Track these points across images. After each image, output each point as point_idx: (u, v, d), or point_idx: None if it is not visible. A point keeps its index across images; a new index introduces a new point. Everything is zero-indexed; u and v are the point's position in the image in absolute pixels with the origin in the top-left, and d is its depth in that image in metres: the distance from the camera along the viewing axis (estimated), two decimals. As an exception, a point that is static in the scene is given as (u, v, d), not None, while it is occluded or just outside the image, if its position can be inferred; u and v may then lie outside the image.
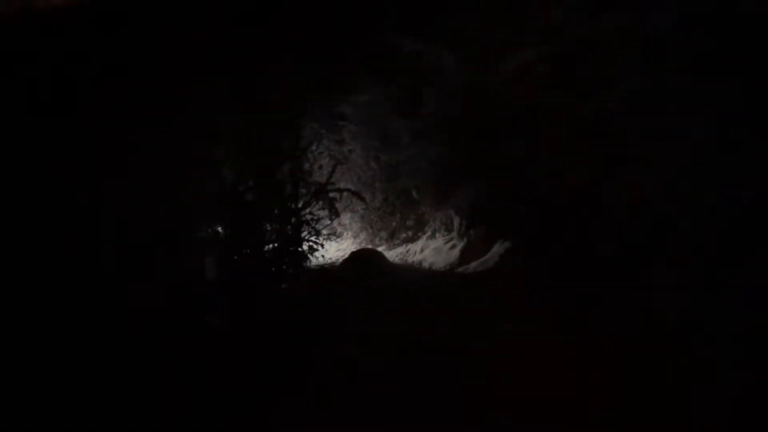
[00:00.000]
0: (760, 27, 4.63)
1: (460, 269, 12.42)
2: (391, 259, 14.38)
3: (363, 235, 17.19)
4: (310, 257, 12.55)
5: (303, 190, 13.11)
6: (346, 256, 13.46)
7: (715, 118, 4.79)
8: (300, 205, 12.56)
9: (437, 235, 14.67)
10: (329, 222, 15.61)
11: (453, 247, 13.65)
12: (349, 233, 17.48)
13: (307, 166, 14.17)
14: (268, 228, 11.75)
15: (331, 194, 14.62)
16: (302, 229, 12.57)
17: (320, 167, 14.94)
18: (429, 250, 14.45)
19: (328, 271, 12.79)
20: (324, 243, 13.34)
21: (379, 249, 15.17)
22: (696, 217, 5.00)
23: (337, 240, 17.38)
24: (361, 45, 15.59)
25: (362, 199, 15.49)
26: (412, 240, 15.75)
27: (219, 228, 10.67)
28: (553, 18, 6.52)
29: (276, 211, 11.74)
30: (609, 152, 6.22)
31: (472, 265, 12.08)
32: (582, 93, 6.47)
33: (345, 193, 15.54)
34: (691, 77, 5.01)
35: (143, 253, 7.83)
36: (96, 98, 10.21)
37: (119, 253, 7.68)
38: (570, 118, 6.92)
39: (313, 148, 14.61)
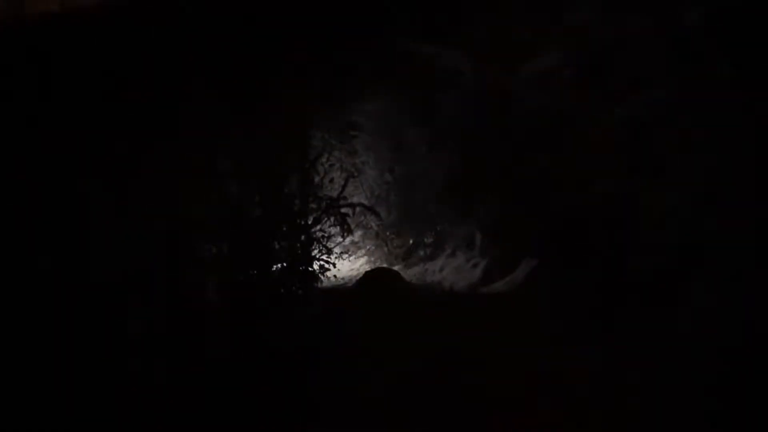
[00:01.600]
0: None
1: (484, 290, 12.37)
2: (408, 279, 14.34)
3: (377, 254, 17.16)
4: (321, 277, 12.55)
5: (313, 206, 13.14)
6: (360, 276, 13.45)
7: (749, 125, 4.76)
8: (310, 222, 12.58)
9: (458, 253, 14.60)
10: (341, 239, 15.62)
11: (475, 265, 13.58)
12: (363, 252, 17.47)
13: (317, 179, 14.22)
14: (276, 246, 11.79)
15: (342, 209, 14.64)
16: (312, 247, 12.58)
17: (331, 180, 14.97)
18: (449, 269, 14.38)
19: (340, 292, 12.77)
20: (336, 262, 13.34)
21: (395, 268, 15.13)
22: (733, 230, 4.95)
23: (350, 259, 17.37)
24: (372, 49, 15.74)
25: (376, 214, 15.49)
26: (431, 258, 15.69)
27: (223, 246, 10.74)
28: (576, 19, 6.54)
29: (284, 228, 11.78)
30: (639, 163, 6.19)
31: (497, 285, 12.02)
32: (609, 99, 6.46)
33: (358, 208, 15.55)
34: (722, 80, 4.99)
35: (140, 272, 7.92)
36: (93, 109, 10.41)
37: (115, 273, 7.79)
38: (597, 126, 6.90)
39: (324, 160, 14.64)
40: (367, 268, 15.20)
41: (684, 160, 5.38)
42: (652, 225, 5.74)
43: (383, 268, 14.54)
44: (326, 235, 13.50)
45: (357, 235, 16.83)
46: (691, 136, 5.33)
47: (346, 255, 16.92)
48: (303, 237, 12.02)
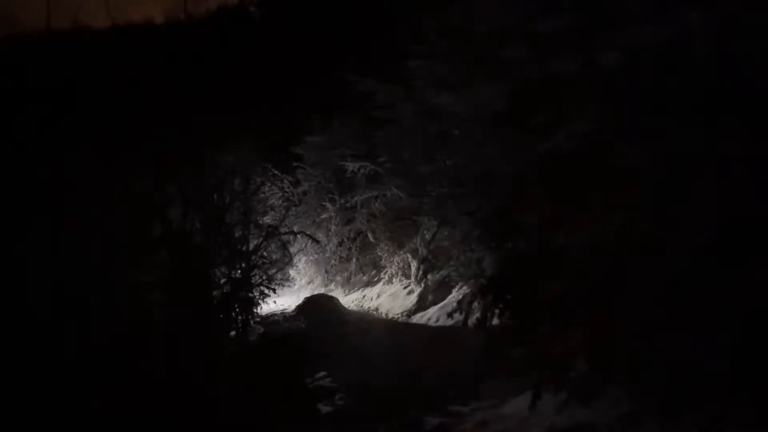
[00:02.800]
0: (709, 65, 4.80)
1: (417, 315, 12.34)
2: (347, 305, 14.22)
3: (318, 280, 17.01)
4: (261, 303, 12.30)
5: (254, 232, 12.94)
6: (300, 302, 13.26)
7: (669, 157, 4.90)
8: (251, 248, 12.36)
9: (394, 280, 14.61)
10: (282, 267, 15.40)
11: (410, 292, 13.60)
12: (304, 279, 17.27)
13: (259, 207, 14.05)
14: (217, 273, 11.51)
15: (284, 237, 14.48)
16: (253, 274, 12.34)
17: (272, 209, 14.80)
18: (385, 296, 14.35)
19: (279, 319, 12.52)
20: (276, 288, 13.12)
21: (335, 294, 15.00)
22: (651, 260, 5.04)
23: (291, 285, 17.12)
24: (315, 84, 15.81)
25: (317, 241, 15.38)
26: (369, 285, 15.64)
27: (163, 271, 10.40)
28: (504, 59, 6.66)
29: (225, 254, 11.52)
30: (563, 194, 6.27)
31: (430, 312, 12.02)
32: (536, 133, 6.56)
33: (299, 236, 15.41)
34: (643, 117, 5.14)
35: (76, 298, 7.57)
36: (30, 135, 10.04)
37: (50, 299, 7.42)
38: (524, 159, 6.99)
39: (266, 188, 14.49)
40: (308, 294, 14.98)
41: (606, 193, 5.47)
42: (573, 253, 5.79)
43: (323, 294, 14.37)
44: (267, 261, 13.30)
45: (298, 262, 16.63)
46: (612, 166, 5.43)
47: (287, 282, 16.67)
48: (243, 264, 11.80)
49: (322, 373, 8.78)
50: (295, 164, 15.56)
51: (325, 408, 7.41)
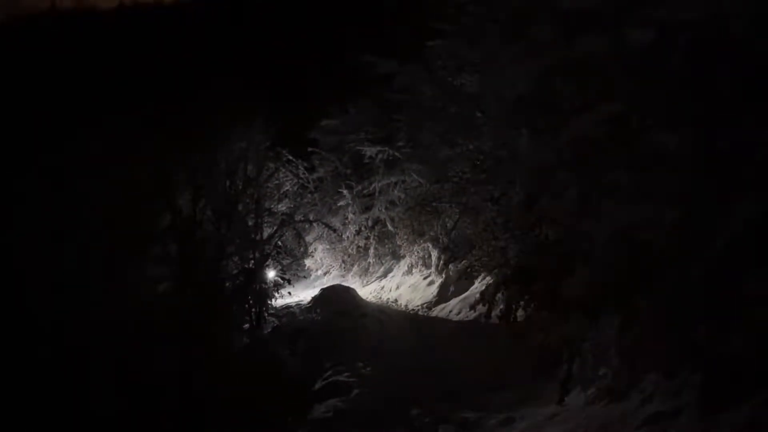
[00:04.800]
0: (742, 47, 4.76)
1: (438, 307, 12.39)
2: (365, 297, 14.30)
3: (335, 271, 17.10)
4: (276, 295, 12.40)
5: (268, 220, 13.02)
6: (316, 293, 13.36)
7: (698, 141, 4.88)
8: (264, 237, 12.44)
9: (414, 270, 14.66)
10: (297, 256, 15.50)
11: (431, 283, 13.64)
12: (320, 269, 17.38)
13: (273, 194, 14.13)
14: (229, 263, 11.62)
15: (299, 225, 14.57)
16: (266, 264, 12.44)
17: (287, 196, 14.90)
18: (405, 286, 14.41)
19: (294, 311, 12.63)
20: (291, 279, 13.23)
21: (352, 285, 15.09)
22: (684, 246, 5.03)
23: (307, 276, 17.26)
24: (331, 66, 15.82)
25: (333, 230, 15.47)
26: (388, 275, 15.72)
27: (175, 261, 10.53)
28: (530, 38, 6.65)
29: (237, 243, 11.63)
30: (592, 181, 6.27)
31: (451, 303, 12.06)
32: (562, 116, 6.55)
33: (314, 224, 15.51)
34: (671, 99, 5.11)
35: (77, 289, 7.71)
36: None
37: (54, 288, 7.57)
38: (551, 144, 6.99)
39: (280, 175, 14.57)
40: (324, 285, 15.08)
41: (633, 178, 5.46)
42: (600, 242, 5.79)
43: (339, 285, 14.45)
44: (281, 251, 13.41)
45: (314, 251, 16.74)
46: (640, 153, 5.42)
47: (302, 271, 16.80)
48: (257, 254, 11.90)
49: (339, 368, 8.85)
50: (310, 149, 15.61)
51: (339, 405, 7.47)
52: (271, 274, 12.48)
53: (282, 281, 12.57)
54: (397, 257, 15.75)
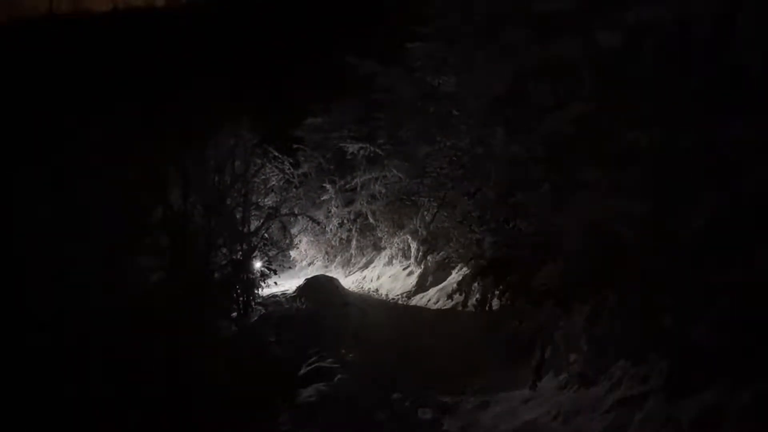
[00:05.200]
0: (707, 48, 4.72)
1: (417, 296, 12.32)
2: (348, 286, 14.20)
3: (318, 262, 16.98)
4: (262, 284, 12.27)
5: (255, 214, 12.89)
6: (301, 283, 13.23)
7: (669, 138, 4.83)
8: (251, 230, 12.31)
9: (394, 261, 14.57)
10: (283, 248, 15.37)
11: (410, 273, 13.56)
12: (305, 260, 17.23)
13: (260, 189, 13.99)
14: (218, 254, 11.47)
15: (284, 218, 14.43)
16: (254, 255, 12.31)
17: (273, 190, 14.74)
18: (385, 277, 14.32)
19: (280, 300, 12.50)
20: (276, 269, 13.10)
21: (335, 275, 14.96)
22: (652, 238, 4.98)
23: (292, 267, 17.11)
24: (315, 67, 15.67)
25: (317, 222, 15.33)
26: (369, 266, 15.61)
27: (165, 252, 10.36)
28: (504, 41, 6.58)
29: (226, 236, 11.48)
30: (564, 176, 6.21)
31: (430, 293, 12.00)
32: (536, 114, 6.48)
33: (299, 217, 15.37)
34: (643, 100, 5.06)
35: (76, 277, 7.54)
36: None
37: (50, 281, 7.39)
38: (522, 142, 6.93)
39: (267, 170, 14.42)
40: (308, 275, 14.94)
41: (603, 174, 5.40)
42: (571, 236, 5.74)
43: (323, 275, 14.33)
44: (268, 242, 13.26)
45: (298, 243, 16.60)
46: (609, 150, 5.36)
47: (288, 262, 16.67)
48: (244, 246, 11.76)
49: (323, 354, 8.75)
50: (295, 146, 15.47)
51: (323, 389, 7.37)
52: (257, 264, 12.33)
53: (268, 272, 12.41)
54: (378, 249, 15.64)
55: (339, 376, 7.84)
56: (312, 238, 16.51)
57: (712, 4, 4.76)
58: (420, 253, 13.43)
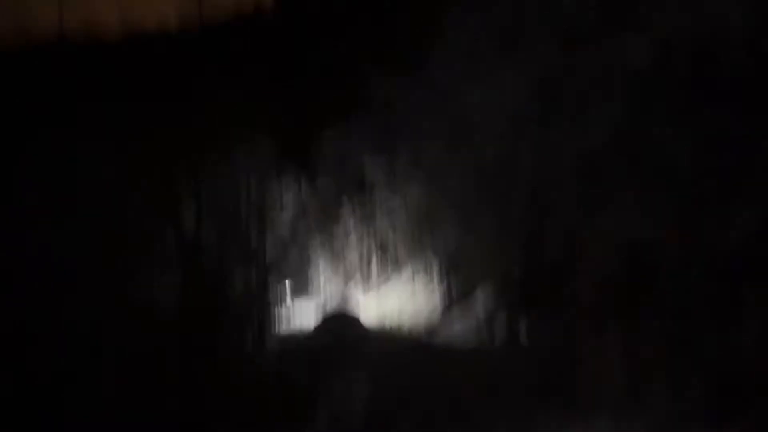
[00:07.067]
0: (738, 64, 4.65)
1: (441, 324, 12.18)
2: (366, 313, 14.09)
3: (336, 290, 16.85)
4: (278, 316, 12.19)
5: (271, 239, 12.87)
6: (318, 318, 13.21)
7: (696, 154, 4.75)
8: (267, 257, 12.27)
9: (416, 283, 14.42)
10: (300, 276, 15.30)
11: (433, 301, 13.42)
12: (321, 289, 17.12)
13: (276, 210, 13.97)
14: (232, 284, 11.43)
15: (301, 241, 14.37)
16: (269, 285, 12.25)
17: (290, 211, 14.74)
18: (406, 302, 14.18)
19: (295, 333, 12.42)
20: (293, 299, 13.06)
21: (353, 302, 14.86)
22: (686, 259, 4.88)
23: (308, 293, 17.03)
24: (331, 81, 15.72)
25: (335, 248, 15.28)
26: (389, 290, 15.47)
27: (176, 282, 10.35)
28: (529, 51, 6.56)
29: (241, 263, 11.47)
30: (593, 194, 6.13)
31: (454, 320, 11.86)
32: (563, 131, 6.43)
33: (317, 239, 15.31)
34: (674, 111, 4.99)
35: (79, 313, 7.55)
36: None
37: (53, 312, 7.41)
38: (552, 156, 6.87)
39: (284, 189, 14.41)
40: (326, 306, 14.82)
41: (636, 189, 5.32)
42: (604, 254, 5.65)
43: (341, 310, 14.20)
44: (285, 269, 13.23)
45: (315, 269, 16.51)
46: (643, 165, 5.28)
47: (304, 291, 16.60)
48: (260, 276, 11.73)
49: (341, 389, 8.67)
50: (313, 166, 15.47)
51: (341, 425, 7.27)
52: (273, 295, 12.30)
53: (284, 302, 12.39)
54: (398, 271, 15.52)
55: (358, 411, 7.76)
56: (330, 260, 16.43)
57: (745, 17, 4.70)
58: (444, 275, 13.29)
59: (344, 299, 15.47)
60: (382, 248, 15.61)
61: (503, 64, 7.50)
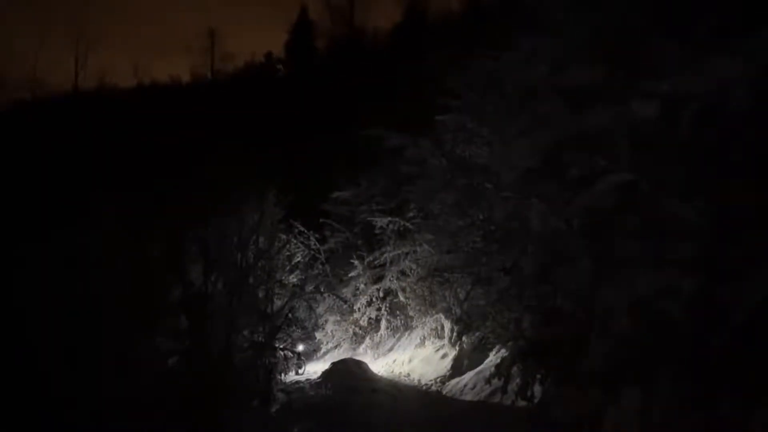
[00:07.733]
0: (744, 119, 4.77)
1: (452, 381, 12.10)
2: (376, 370, 14.03)
3: (345, 344, 16.85)
4: (286, 369, 12.16)
5: (279, 292, 12.92)
6: (327, 367, 13.11)
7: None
8: (275, 309, 12.31)
9: (427, 342, 14.40)
10: (308, 328, 15.30)
11: (444, 356, 13.38)
12: (331, 342, 17.12)
13: (284, 265, 14.06)
14: (239, 337, 11.44)
15: (309, 296, 14.42)
16: (277, 337, 12.25)
17: (298, 267, 14.84)
18: (417, 360, 14.14)
19: (304, 386, 12.34)
20: (301, 352, 13.03)
21: (363, 358, 14.82)
22: (704, 316, 4.91)
23: (316, 349, 16.98)
24: (342, 139, 16.06)
25: (344, 301, 15.33)
26: (400, 348, 15.45)
27: (183, 336, 10.38)
28: (537, 112, 6.73)
29: (248, 316, 11.48)
30: (603, 250, 6.19)
31: (466, 377, 11.77)
32: (572, 186, 6.54)
33: (325, 295, 15.37)
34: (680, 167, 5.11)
35: (90, 362, 7.60)
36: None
37: (63, 365, 7.47)
38: (559, 215, 6.96)
39: (291, 246, 14.56)
40: (335, 358, 14.83)
41: (646, 247, 5.39)
42: (617, 314, 5.67)
43: (350, 359, 14.19)
44: (293, 323, 13.23)
45: (324, 322, 16.53)
46: (651, 221, 5.37)
47: (312, 344, 16.55)
48: (267, 326, 11.74)
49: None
50: (321, 220, 15.68)
51: None
52: (281, 347, 12.29)
53: (292, 355, 12.36)
54: (409, 329, 15.52)
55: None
56: (339, 318, 16.46)
57: (747, 72, 4.85)
58: (454, 334, 13.24)
59: (354, 355, 15.45)
60: (392, 306, 15.67)
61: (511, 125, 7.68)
